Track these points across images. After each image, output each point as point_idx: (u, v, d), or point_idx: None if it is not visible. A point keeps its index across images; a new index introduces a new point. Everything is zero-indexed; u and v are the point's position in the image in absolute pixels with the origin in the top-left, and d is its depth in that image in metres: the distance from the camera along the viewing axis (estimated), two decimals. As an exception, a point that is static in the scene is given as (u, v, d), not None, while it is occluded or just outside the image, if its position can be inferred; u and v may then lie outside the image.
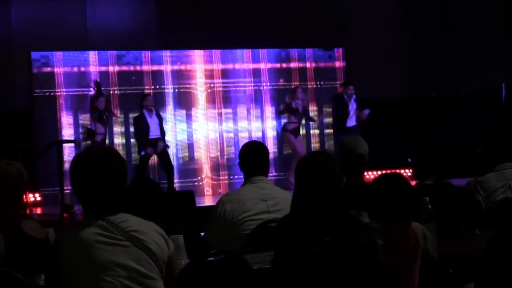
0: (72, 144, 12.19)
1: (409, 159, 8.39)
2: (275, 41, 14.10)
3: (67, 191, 9.92)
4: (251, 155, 5.13)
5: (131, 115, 12.98)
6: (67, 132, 12.78)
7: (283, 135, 13.20)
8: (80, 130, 12.69)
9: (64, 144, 11.50)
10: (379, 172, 14.06)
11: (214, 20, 13.71)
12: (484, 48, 14.18)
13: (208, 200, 12.15)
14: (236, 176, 13.30)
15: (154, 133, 12.13)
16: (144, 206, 4.50)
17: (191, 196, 8.10)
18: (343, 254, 3.58)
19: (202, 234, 5.05)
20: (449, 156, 11.88)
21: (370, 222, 3.80)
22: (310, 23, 14.42)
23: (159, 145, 12.08)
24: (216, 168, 13.51)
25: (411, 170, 13.18)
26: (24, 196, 4.73)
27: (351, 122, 13.04)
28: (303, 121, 13.48)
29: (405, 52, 15.20)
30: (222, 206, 4.96)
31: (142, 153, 12.16)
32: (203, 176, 13.26)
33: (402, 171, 14.11)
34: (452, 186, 5.46)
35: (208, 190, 13.34)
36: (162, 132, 12.27)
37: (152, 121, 12.13)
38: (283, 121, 13.17)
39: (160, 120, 12.30)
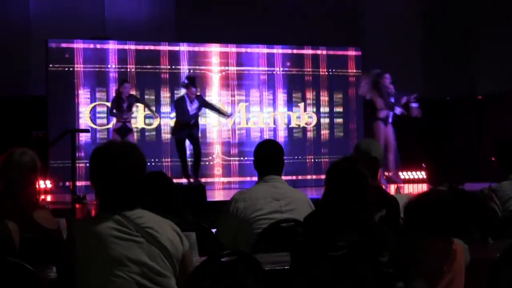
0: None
1: (423, 164, 8.34)
2: (290, 38, 14.08)
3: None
4: (265, 154, 5.12)
5: (146, 92, 13.07)
6: (83, 109, 12.81)
7: (373, 124, 12.88)
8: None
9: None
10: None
11: (231, 14, 13.74)
12: (501, 50, 14.13)
13: (218, 195, 12.11)
14: (246, 158, 13.34)
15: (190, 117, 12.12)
16: (155, 199, 4.51)
17: (202, 190, 8.08)
18: (360, 263, 3.58)
19: (214, 230, 5.04)
20: (464, 160, 11.80)
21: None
22: (327, 23, 14.42)
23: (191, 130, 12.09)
24: (227, 149, 13.53)
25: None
26: (36, 185, 4.71)
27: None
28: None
29: (421, 53, 15.17)
30: (235, 204, 4.95)
31: (175, 136, 12.19)
32: (214, 155, 13.25)
33: (417, 174, 14.14)
34: (466, 193, 5.38)
35: (218, 170, 13.37)
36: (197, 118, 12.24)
37: (192, 106, 12.07)
38: None
39: (199, 106, 12.23)
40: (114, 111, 12.15)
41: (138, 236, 3.29)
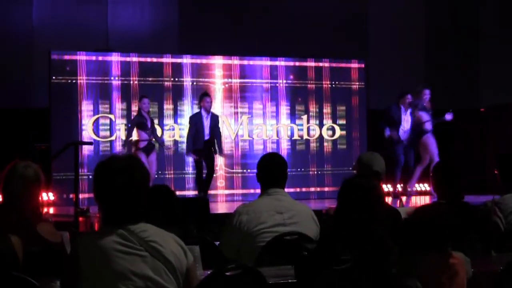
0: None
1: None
2: (293, 51, 14.11)
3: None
4: (268, 167, 5.13)
5: (150, 104, 12.97)
6: (86, 121, 12.80)
7: (420, 139, 12.64)
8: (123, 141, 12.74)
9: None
10: (399, 186, 14.10)
11: (234, 27, 13.78)
12: (504, 63, 14.14)
13: (221, 208, 12.10)
14: (249, 170, 13.35)
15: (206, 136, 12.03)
16: (159, 213, 4.52)
17: (205, 202, 8.08)
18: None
19: (217, 243, 5.04)
20: (468, 172, 11.70)
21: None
22: (330, 36, 14.45)
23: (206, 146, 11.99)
24: (230, 161, 13.52)
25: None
26: (40, 198, 4.71)
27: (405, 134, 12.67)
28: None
29: (424, 65, 15.19)
30: (238, 217, 4.95)
31: (190, 156, 12.14)
32: (217, 168, 13.23)
33: (424, 186, 14.13)
34: (468, 205, 5.37)
35: (221, 182, 13.36)
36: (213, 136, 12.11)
37: (207, 123, 12.03)
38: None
39: (214, 123, 12.16)
40: (134, 131, 12.05)
41: (142, 250, 3.29)
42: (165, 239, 3.38)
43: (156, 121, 12.93)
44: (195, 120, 12.04)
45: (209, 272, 3.84)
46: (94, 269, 3.24)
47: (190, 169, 13.25)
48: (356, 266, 3.66)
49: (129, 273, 3.24)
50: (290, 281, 3.97)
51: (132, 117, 12.53)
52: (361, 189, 3.94)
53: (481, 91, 14.49)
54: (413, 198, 12.95)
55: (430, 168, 11.46)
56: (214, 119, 12.19)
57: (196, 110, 12.92)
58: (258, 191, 5.20)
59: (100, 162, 3.47)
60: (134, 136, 12.16)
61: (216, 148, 12.08)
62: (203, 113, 12.03)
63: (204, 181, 12.10)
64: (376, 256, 3.73)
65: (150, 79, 13.21)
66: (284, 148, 13.94)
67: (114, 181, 3.35)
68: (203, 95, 12.25)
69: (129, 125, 12.45)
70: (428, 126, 12.57)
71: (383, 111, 12.80)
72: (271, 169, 5.12)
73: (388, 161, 6.23)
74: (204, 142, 11.97)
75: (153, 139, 12.26)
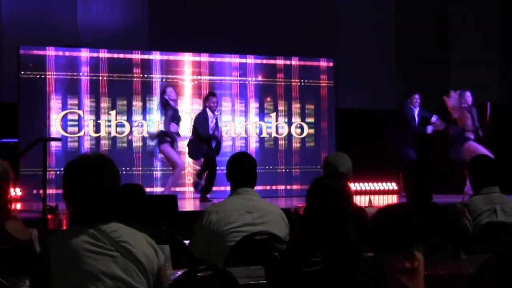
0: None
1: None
2: (262, 48, 14.10)
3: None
4: (238, 166, 5.15)
5: (119, 103, 13.01)
6: (54, 116, 12.68)
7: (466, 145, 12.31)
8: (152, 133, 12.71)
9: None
10: (366, 184, 14.14)
11: (204, 24, 13.74)
12: (473, 65, 14.23)
13: (189, 205, 12.05)
14: (217, 168, 13.22)
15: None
16: (131, 211, 4.53)
17: (174, 200, 8.05)
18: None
19: (186, 242, 5.04)
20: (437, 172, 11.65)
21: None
22: (300, 34, 14.45)
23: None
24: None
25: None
26: (9, 195, 4.66)
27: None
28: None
29: (394, 65, 15.24)
30: (208, 216, 4.94)
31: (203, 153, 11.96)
32: (186, 165, 13.16)
33: (390, 185, 14.16)
34: (437, 206, 5.38)
35: (189, 179, 13.22)
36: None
37: (212, 125, 11.94)
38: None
39: (217, 123, 12.08)
40: (171, 124, 11.99)
41: (113, 250, 3.27)
42: (136, 239, 3.36)
43: (124, 118, 12.88)
44: (200, 121, 11.92)
45: (179, 272, 3.83)
46: (64, 269, 3.22)
47: (158, 166, 13.17)
48: (326, 268, 3.67)
49: (100, 274, 3.22)
50: (260, 282, 3.96)
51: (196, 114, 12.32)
52: (329, 189, 3.96)
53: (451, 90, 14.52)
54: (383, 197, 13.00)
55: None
56: (217, 119, 12.19)
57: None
58: (226, 188, 5.23)
59: (70, 161, 3.43)
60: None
61: (213, 147, 12.06)
62: (209, 113, 11.95)
63: (207, 183, 11.97)
64: (346, 258, 3.74)
65: (119, 75, 13.12)
66: (253, 145, 13.92)
67: (84, 181, 3.32)
68: (209, 95, 12.18)
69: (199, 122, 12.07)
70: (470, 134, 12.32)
71: (395, 112, 12.83)
72: (241, 169, 5.13)
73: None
74: (209, 144, 11.93)
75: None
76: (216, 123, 12.11)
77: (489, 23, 14.65)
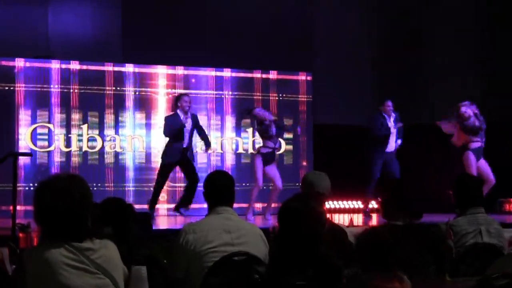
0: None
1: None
2: (239, 62, 13.94)
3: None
4: (216, 185, 5.05)
5: (90, 116, 12.80)
6: (24, 130, 12.43)
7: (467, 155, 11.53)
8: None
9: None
10: (343, 203, 13.97)
11: (179, 36, 13.58)
12: (451, 79, 14.19)
13: (162, 222, 11.78)
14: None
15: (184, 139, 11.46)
16: (112, 228, 4.60)
17: (148, 218, 7.89)
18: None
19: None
20: (422, 191, 11.41)
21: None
22: (277, 47, 14.30)
23: (183, 154, 11.40)
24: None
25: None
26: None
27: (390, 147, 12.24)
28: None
29: (372, 79, 15.15)
30: (184, 236, 4.82)
31: (166, 159, 11.52)
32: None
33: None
34: (423, 227, 5.27)
35: (163, 196, 12.82)
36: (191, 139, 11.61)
37: (188, 127, 11.48)
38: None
39: (195, 123, 11.65)
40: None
41: (88, 265, 3.31)
42: (110, 255, 3.43)
43: (96, 132, 12.64)
44: (171, 123, 11.47)
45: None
46: (41, 283, 3.25)
47: (130, 182, 12.93)
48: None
49: None
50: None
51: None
52: (296, 213, 4.01)
53: (431, 105, 14.45)
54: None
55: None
56: (194, 119, 11.75)
57: (141, 121, 12.74)
58: (200, 205, 5.12)
59: (39, 182, 3.45)
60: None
61: (203, 145, 11.87)
62: (181, 114, 11.53)
63: (186, 194, 11.55)
64: (327, 278, 3.74)
65: (91, 87, 12.90)
66: (229, 161, 13.74)
67: (54, 204, 3.33)
68: (181, 95, 11.87)
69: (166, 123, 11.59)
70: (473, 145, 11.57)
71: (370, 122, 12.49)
72: (219, 188, 5.03)
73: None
74: (182, 151, 11.48)
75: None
76: (195, 122, 11.72)
77: (465, 38, 14.58)
